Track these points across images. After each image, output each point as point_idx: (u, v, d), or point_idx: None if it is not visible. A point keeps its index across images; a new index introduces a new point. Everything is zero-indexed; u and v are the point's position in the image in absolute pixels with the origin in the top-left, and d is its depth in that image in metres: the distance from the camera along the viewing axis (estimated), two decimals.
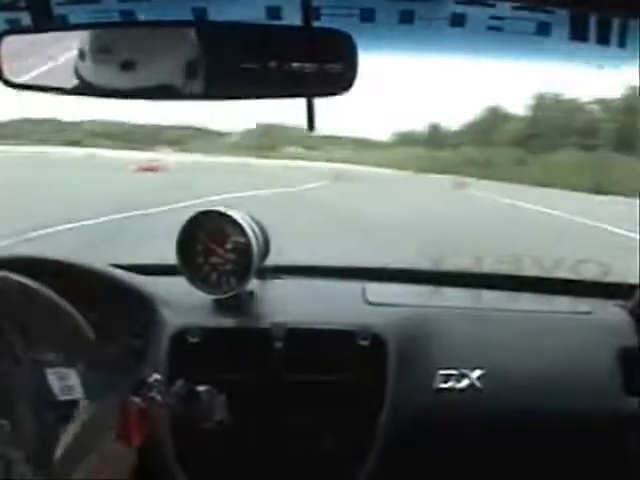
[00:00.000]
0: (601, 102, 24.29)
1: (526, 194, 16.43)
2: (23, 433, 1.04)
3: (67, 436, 1.08)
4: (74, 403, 1.09)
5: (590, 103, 24.37)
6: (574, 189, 17.66)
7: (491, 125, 26.90)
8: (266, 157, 28.25)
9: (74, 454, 1.08)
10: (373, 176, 21.89)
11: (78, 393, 1.09)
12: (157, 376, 1.22)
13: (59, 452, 1.06)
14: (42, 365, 1.09)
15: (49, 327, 1.12)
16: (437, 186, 18.40)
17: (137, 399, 1.20)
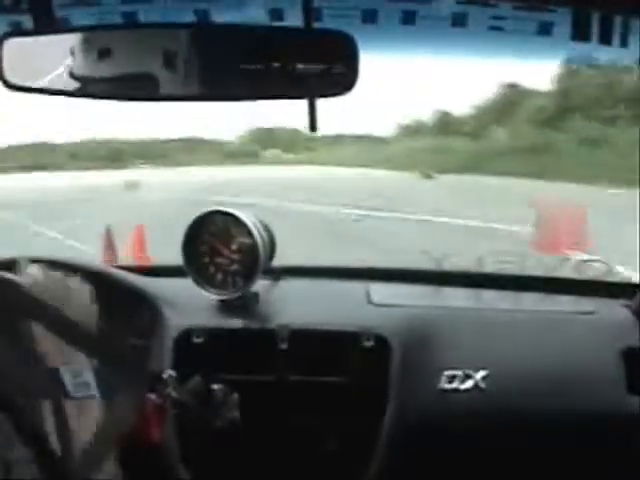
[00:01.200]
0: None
1: None
2: (37, 432, 1.04)
3: (83, 434, 1.08)
4: (88, 400, 1.10)
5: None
6: None
7: (510, 104, 21.23)
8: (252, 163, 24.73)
9: (90, 453, 1.08)
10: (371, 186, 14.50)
11: (93, 390, 1.10)
12: (171, 372, 1.22)
13: (75, 451, 1.06)
14: (55, 362, 1.09)
15: (61, 325, 1.12)
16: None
17: (153, 396, 1.20)
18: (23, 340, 1.09)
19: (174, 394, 1.20)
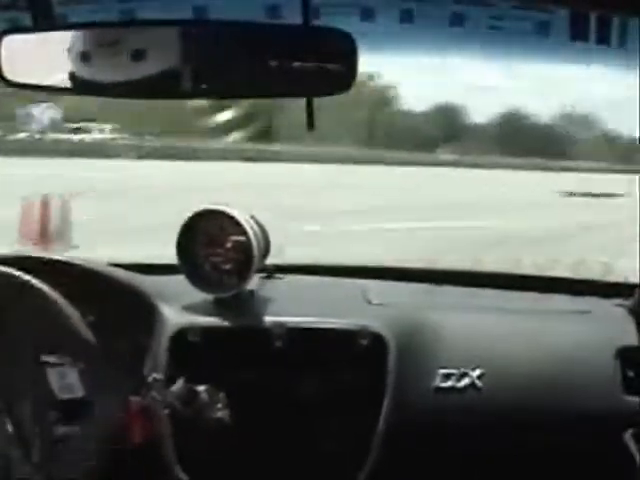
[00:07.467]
0: None
1: None
2: (24, 432, 1.04)
3: (68, 435, 1.08)
4: (74, 402, 1.10)
5: None
6: None
7: None
8: None
9: (75, 453, 1.08)
10: None
11: (78, 392, 1.10)
12: (157, 375, 1.22)
13: (60, 451, 1.06)
14: (42, 364, 1.09)
15: (50, 326, 1.12)
16: None
17: (137, 398, 1.20)
18: (10, 341, 1.09)
19: (158, 397, 1.20)
